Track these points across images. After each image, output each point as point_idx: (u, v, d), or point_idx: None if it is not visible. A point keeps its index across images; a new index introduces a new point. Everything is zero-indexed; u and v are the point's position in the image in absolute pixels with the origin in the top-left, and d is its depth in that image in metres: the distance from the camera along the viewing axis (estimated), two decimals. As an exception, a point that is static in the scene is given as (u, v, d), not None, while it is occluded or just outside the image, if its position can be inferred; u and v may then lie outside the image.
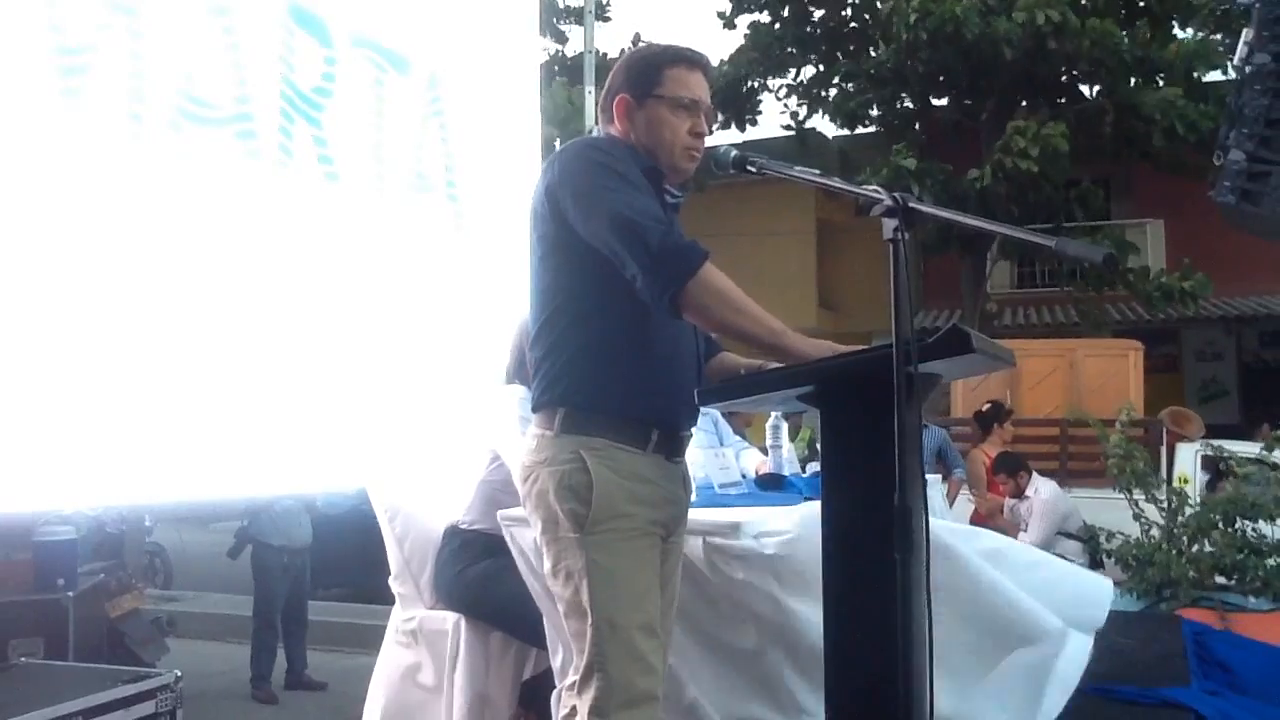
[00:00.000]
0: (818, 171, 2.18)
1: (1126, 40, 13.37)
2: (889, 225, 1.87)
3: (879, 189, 1.91)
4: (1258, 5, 5.90)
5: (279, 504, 6.24)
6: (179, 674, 3.74)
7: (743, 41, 17.09)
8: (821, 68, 16.91)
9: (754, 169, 2.20)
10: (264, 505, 6.24)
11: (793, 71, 17.09)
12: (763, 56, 16.66)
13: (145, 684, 3.60)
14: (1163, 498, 6.35)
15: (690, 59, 2.38)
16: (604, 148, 2.32)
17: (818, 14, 16.69)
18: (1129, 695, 3.68)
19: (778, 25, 16.80)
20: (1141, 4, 14.39)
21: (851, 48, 16.62)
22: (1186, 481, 7.53)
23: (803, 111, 17.06)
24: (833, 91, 16.69)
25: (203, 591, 9.23)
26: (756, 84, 17.08)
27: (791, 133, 17.48)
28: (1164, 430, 8.92)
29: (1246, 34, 6.12)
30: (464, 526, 3.59)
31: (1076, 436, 8.07)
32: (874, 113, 16.22)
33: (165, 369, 3.01)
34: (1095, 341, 12.32)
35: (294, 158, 3.51)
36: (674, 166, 2.35)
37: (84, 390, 2.80)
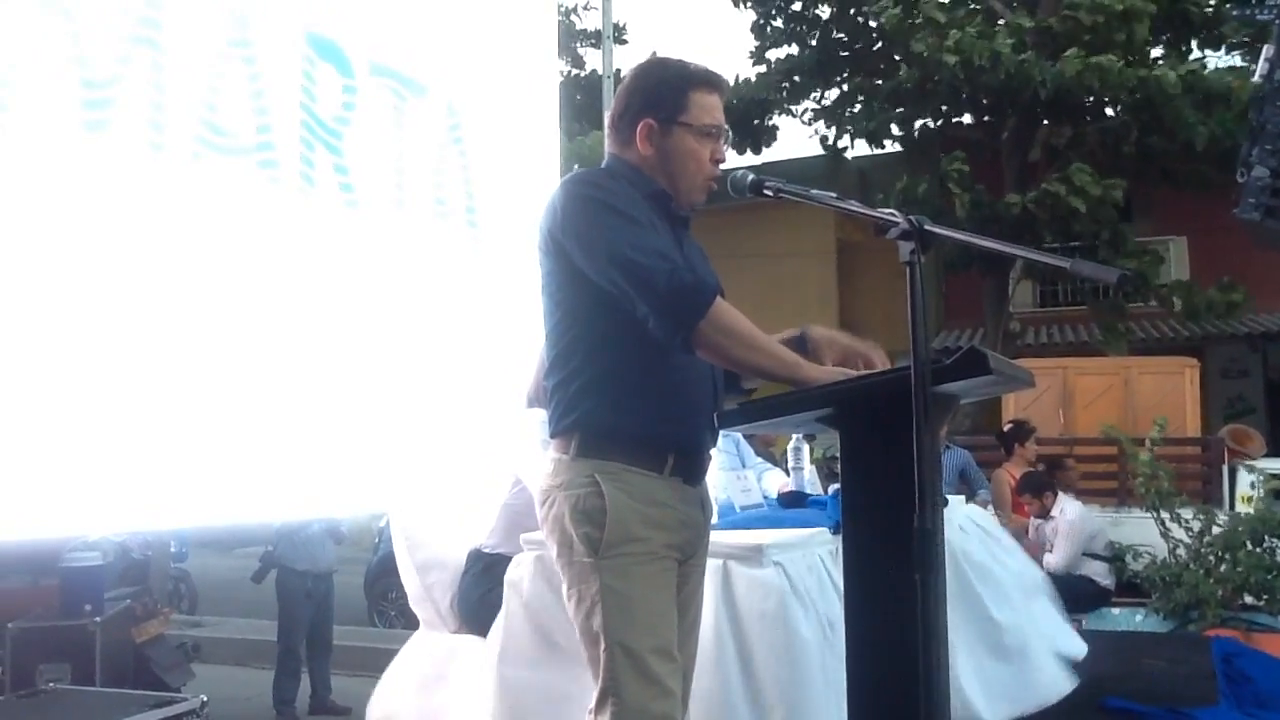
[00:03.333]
0: (834, 194, 2.15)
1: (1174, 76, 13.19)
2: (905, 248, 1.87)
3: (894, 212, 1.91)
4: (1278, 21, 5.90)
5: (307, 529, 6.26)
6: (205, 699, 3.76)
7: (764, 69, 17.08)
8: (844, 89, 16.89)
9: (770, 192, 2.19)
10: (293, 530, 6.27)
11: (816, 94, 17.06)
12: (786, 82, 16.63)
13: (172, 709, 3.64)
14: (1188, 516, 6.29)
15: (711, 81, 2.36)
16: (600, 183, 2.30)
17: (839, 37, 16.66)
18: (1156, 715, 3.65)
19: (800, 52, 16.79)
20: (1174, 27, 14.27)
21: (879, 66, 16.61)
22: (1249, 501, 7.40)
23: (831, 133, 17.04)
24: (855, 110, 16.66)
25: (227, 616, 9.27)
26: (779, 110, 17.02)
27: (812, 155, 17.45)
28: (1225, 449, 8.76)
29: (1267, 50, 6.11)
30: (487, 550, 3.61)
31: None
32: (895, 132, 16.18)
33: (190, 395, 3.03)
34: (1150, 359, 12.01)
35: (315, 185, 3.54)
36: (691, 199, 2.35)
37: (109, 417, 2.83)
